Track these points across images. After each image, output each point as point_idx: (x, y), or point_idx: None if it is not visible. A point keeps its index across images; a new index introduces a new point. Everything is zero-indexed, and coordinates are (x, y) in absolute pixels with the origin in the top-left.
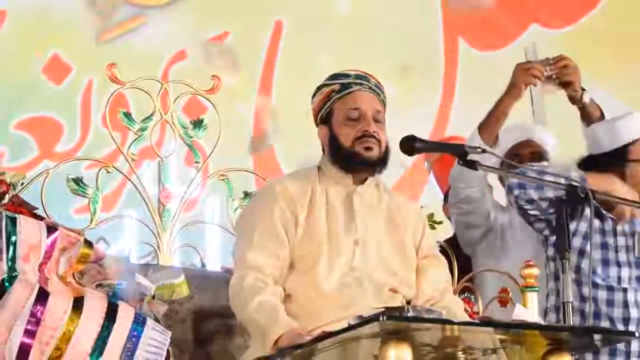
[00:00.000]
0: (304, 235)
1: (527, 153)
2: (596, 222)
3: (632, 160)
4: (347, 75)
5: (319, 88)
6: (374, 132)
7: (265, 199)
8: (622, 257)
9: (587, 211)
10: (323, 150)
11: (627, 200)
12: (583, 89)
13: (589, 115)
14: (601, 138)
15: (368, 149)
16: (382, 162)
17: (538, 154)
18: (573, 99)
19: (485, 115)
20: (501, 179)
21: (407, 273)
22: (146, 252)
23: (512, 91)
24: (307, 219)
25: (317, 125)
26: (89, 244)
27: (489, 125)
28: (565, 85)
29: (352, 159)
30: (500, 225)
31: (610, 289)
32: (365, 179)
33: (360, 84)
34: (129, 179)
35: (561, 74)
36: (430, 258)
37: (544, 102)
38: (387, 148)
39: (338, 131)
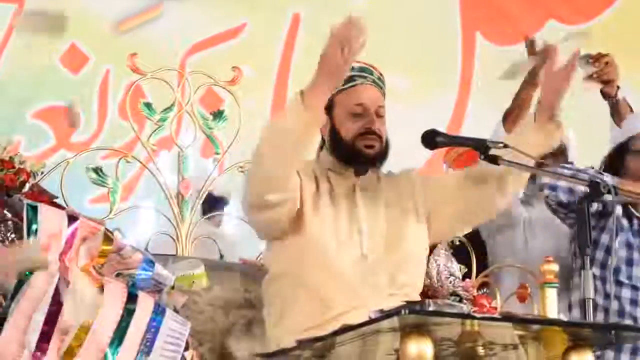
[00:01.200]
0: (313, 216)
1: None
2: (624, 221)
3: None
4: (351, 68)
5: None
6: (376, 129)
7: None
8: None
9: (618, 209)
10: (323, 140)
11: None
12: (618, 87)
13: (619, 113)
14: (614, 134)
15: (369, 146)
16: (382, 156)
17: (559, 148)
18: (607, 95)
19: (509, 106)
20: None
21: (417, 254)
22: (162, 242)
23: (530, 81)
24: (316, 201)
25: None
26: (109, 235)
27: (512, 117)
28: (605, 82)
29: (353, 154)
30: (522, 220)
31: (634, 288)
32: (367, 171)
33: (364, 77)
34: (149, 169)
35: (602, 72)
36: (435, 188)
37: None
38: (387, 142)
39: (340, 125)
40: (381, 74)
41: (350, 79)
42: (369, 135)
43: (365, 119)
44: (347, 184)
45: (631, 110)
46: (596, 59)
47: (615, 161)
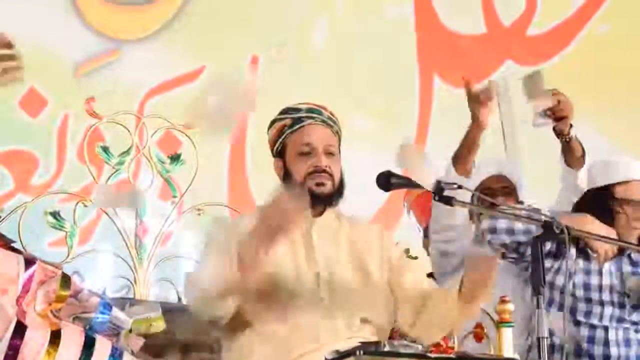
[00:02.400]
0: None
1: (499, 187)
2: (580, 262)
3: (618, 199)
4: (298, 110)
5: (272, 122)
6: (325, 166)
7: (230, 235)
8: (606, 296)
9: (572, 250)
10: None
11: (600, 236)
12: (571, 125)
13: (571, 151)
14: (594, 175)
15: (319, 184)
16: (337, 194)
17: (509, 188)
18: (560, 133)
19: (458, 147)
20: (471, 214)
21: (376, 299)
22: (120, 286)
23: (475, 122)
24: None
25: (273, 157)
26: (67, 279)
27: (461, 157)
28: (559, 119)
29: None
30: None
31: (592, 326)
32: (324, 211)
33: (312, 118)
34: (106, 213)
35: (557, 109)
36: (400, 270)
37: (517, 136)
38: (341, 180)
39: (291, 166)
40: (332, 114)
41: (299, 120)
42: (318, 173)
43: (313, 158)
44: (304, 225)
45: (583, 150)
46: (552, 95)
47: (589, 204)
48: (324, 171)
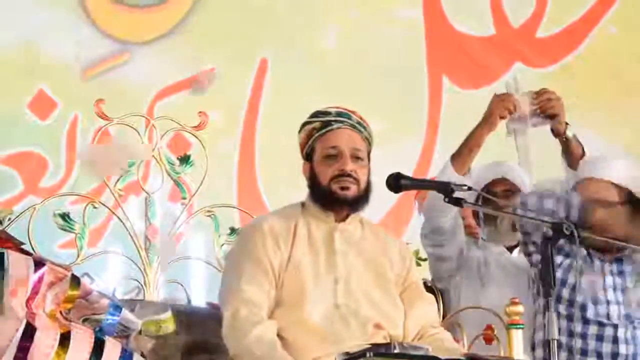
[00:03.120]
0: (289, 273)
1: (501, 191)
2: (589, 261)
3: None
4: (328, 113)
5: (302, 125)
6: (350, 171)
7: (255, 237)
8: (611, 296)
9: (582, 249)
10: (308, 186)
11: (608, 237)
12: (567, 124)
13: (571, 151)
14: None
15: (344, 188)
16: (362, 199)
17: (512, 192)
18: (557, 132)
19: (459, 145)
20: (477, 215)
21: (391, 309)
22: (130, 287)
23: (486, 121)
24: (292, 257)
25: (303, 160)
26: (76, 280)
27: (461, 156)
28: (550, 117)
29: (329, 197)
30: (476, 262)
31: (600, 324)
32: (347, 216)
33: (341, 122)
34: (116, 215)
35: (545, 107)
36: (416, 292)
37: (530, 149)
38: (367, 185)
39: (318, 169)
40: (362, 118)
41: (328, 123)
42: (344, 177)
43: (339, 162)
44: (327, 229)
45: (583, 150)
46: (538, 94)
47: None
48: (349, 175)
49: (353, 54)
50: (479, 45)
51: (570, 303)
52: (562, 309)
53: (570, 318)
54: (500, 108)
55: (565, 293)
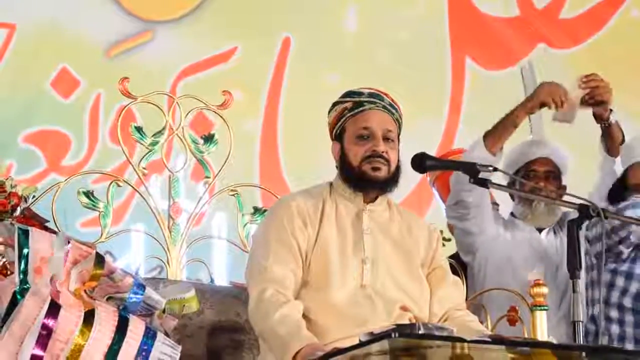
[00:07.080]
0: (316, 253)
1: (543, 171)
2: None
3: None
4: (360, 93)
5: (333, 105)
6: (382, 152)
7: (282, 215)
8: None
9: (624, 233)
10: (337, 166)
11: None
12: (610, 110)
13: (612, 137)
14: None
15: (375, 169)
16: (391, 181)
17: (553, 173)
18: (600, 117)
19: (494, 124)
20: (511, 195)
21: (417, 291)
22: (153, 266)
23: (527, 104)
24: (319, 237)
25: (332, 140)
26: (100, 258)
27: (495, 135)
28: (598, 104)
29: (360, 178)
30: (502, 241)
31: (637, 312)
32: (376, 197)
33: (374, 103)
34: (140, 194)
35: (595, 93)
36: (442, 275)
37: (542, 121)
38: (397, 167)
39: (348, 149)
40: (394, 101)
41: (360, 104)
42: (375, 158)
43: (371, 142)
44: (355, 210)
45: (623, 135)
46: (588, 80)
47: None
48: (381, 156)
49: (375, 34)
50: (503, 26)
51: (611, 286)
52: (603, 291)
53: (608, 303)
54: (546, 96)
55: (607, 277)
